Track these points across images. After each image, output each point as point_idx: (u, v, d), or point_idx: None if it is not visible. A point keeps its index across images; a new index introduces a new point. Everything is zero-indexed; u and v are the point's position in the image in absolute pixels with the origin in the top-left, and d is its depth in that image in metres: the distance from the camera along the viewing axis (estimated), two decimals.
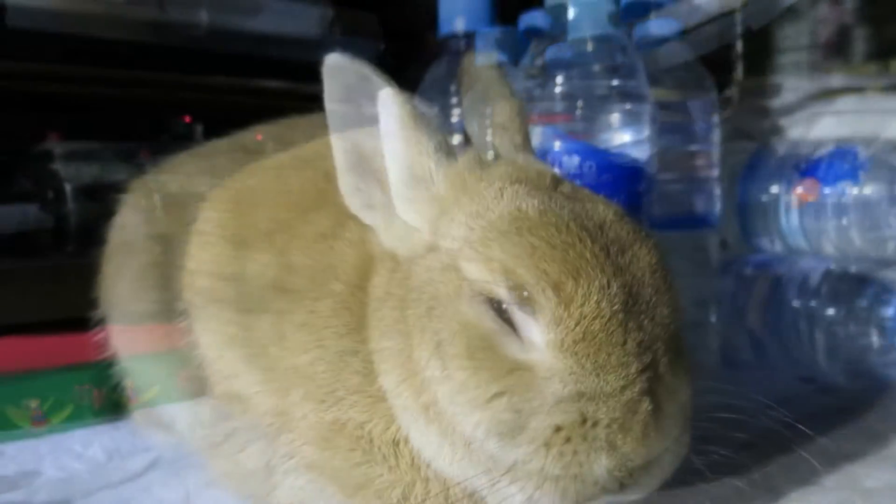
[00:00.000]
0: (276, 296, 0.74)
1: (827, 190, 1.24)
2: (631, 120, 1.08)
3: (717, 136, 1.23)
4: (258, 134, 0.94)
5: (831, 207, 1.24)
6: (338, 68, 0.67)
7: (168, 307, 0.86)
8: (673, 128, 1.19)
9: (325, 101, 0.68)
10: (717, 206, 1.23)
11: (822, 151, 1.28)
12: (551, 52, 1.11)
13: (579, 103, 1.07)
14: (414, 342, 0.63)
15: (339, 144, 0.69)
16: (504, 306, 0.60)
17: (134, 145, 1.25)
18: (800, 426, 0.81)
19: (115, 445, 0.98)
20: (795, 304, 1.21)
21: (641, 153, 1.07)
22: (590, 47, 1.09)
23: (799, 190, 1.27)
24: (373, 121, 0.68)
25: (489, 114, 0.80)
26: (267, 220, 0.80)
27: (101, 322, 0.98)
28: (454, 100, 1.20)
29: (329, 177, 0.73)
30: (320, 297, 0.71)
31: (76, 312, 0.98)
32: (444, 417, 0.62)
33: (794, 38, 1.62)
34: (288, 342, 0.71)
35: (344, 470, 0.68)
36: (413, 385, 0.64)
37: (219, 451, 0.77)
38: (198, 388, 0.80)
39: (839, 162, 1.24)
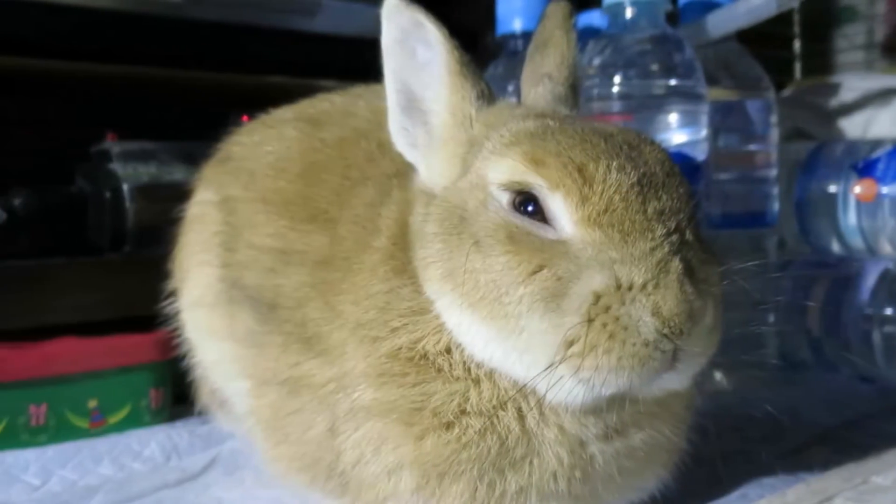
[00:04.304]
0: (326, 272, 0.77)
1: (885, 189, 1.24)
2: (688, 119, 1.08)
3: (775, 135, 1.22)
4: (323, 102, 0.96)
5: (889, 207, 1.24)
6: (396, 10, 0.71)
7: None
8: (731, 127, 1.19)
9: (381, 41, 0.72)
10: (776, 206, 1.23)
11: (880, 151, 1.27)
12: (609, 52, 1.11)
13: (637, 103, 1.08)
14: (453, 244, 0.67)
15: (391, 84, 0.73)
16: (534, 193, 0.64)
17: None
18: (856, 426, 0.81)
19: (172, 445, 0.98)
20: (853, 304, 1.20)
21: (699, 152, 1.07)
22: (648, 47, 1.09)
23: (857, 189, 1.27)
24: (424, 65, 0.72)
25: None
26: (326, 195, 0.83)
27: (171, 293, 0.98)
28: (512, 99, 1.20)
29: (382, 146, 0.79)
30: (364, 252, 0.74)
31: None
32: (486, 303, 0.65)
33: (851, 38, 1.61)
34: (338, 308, 0.74)
35: (400, 398, 0.70)
36: (455, 278, 0.67)
37: (285, 435, 0.79)
38: (270, 374, 0.81)
39: None
